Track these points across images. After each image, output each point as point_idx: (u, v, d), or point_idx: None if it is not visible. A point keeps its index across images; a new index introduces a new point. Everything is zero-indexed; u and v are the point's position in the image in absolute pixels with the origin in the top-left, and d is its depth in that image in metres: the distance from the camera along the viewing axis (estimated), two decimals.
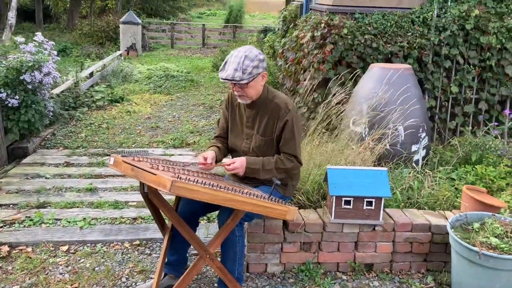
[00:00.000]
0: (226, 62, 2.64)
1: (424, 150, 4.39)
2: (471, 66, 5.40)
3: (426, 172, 3.85)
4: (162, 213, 2.72)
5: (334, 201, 3.06)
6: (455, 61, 5.40)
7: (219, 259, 2.76)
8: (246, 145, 2.86)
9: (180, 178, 2.17)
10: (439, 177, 3.90)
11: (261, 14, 33.96)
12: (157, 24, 18.56)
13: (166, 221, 2.94)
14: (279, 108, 2.74)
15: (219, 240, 2.61)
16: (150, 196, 2.44)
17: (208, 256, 2.56)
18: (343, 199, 3.05)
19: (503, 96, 5.49)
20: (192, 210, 2.84)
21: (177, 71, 10.86)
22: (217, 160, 2.87)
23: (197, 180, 2.22)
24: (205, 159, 2.73)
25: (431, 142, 5.22)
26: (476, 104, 5.51)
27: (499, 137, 4.87)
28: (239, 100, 2.78)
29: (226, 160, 2.85)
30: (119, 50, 14.16)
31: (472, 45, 5.37)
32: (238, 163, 2.70)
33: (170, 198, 3.49)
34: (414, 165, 4.21)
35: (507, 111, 4.61)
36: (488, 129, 4.46)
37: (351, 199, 3.05)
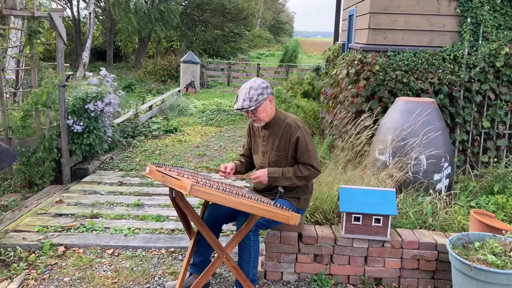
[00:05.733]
0: (237, 96, 3.12)
1: (447, 180, 4.57)
2: (503, 102, 5.55)
3: (445, 199, 4.06)
4: (188, 217, 3.15)
5: (344, 217, 3.36)
6: (486, 96, 5.57)
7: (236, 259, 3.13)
8: (264, 161, 3.27)
9: (199, 182, 2.62)
10: (458, 204, 4.09)
11: (318, 55, 34.76)
12: (216, 63, 19.68)
13: (193, 226, 3.37)
14: (290, 126, 3.15)
15: (235, 242, 2.99)
16: (177, 200, 2.89)
17: (224, 256, 2.95)
18: (353, 215, 3.35)
19: None
20: (215, 217, 3.26)
21: (229, 106, 11.56)
22: (238, 172, 3.31)
23: (213, 185, 2.65)
24: (226, 168, 3.19)
25: (462, 174, 5.36)
26: (509, 139, 5.61)
27: None
28: (254, 124, 3.24)
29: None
30: (179, 87, 15.19)
31: (504, 81, 5.53)
32: (260, 172, 3.15)
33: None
34: (436, 192, 4.40)
35: None
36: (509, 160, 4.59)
37: (360, 215, 3.34)
